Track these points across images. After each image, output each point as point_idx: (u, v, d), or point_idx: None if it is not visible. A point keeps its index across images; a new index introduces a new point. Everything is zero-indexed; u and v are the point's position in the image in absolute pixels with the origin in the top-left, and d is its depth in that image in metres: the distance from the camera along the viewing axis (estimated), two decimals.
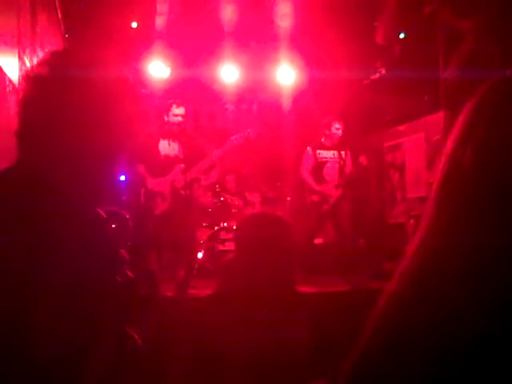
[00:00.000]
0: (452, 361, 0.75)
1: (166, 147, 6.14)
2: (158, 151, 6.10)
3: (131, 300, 1.44)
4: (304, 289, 5.05)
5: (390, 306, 0.85)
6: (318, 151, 6.92)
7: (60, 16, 5.47)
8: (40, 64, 1.39)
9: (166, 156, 6.12)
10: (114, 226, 1.80)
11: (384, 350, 0.82)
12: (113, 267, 1.36)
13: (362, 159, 6.86)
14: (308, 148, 6.98)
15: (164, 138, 6.15)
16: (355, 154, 7.05)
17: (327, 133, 6.95)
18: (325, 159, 6.93)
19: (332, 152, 6.93)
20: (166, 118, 6.14)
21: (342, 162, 6.92)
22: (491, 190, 0.78)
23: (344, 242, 6.78)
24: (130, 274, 1.46)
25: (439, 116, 6.61)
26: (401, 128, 7.86)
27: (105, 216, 1.40)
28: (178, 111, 6.12)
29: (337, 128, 6.92)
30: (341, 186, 6.85)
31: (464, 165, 0.81)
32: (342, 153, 6.93)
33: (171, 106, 6.12)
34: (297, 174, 7.20)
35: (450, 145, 0.85)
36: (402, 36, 7.39)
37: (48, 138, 1.34)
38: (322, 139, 7.00)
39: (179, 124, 6.14)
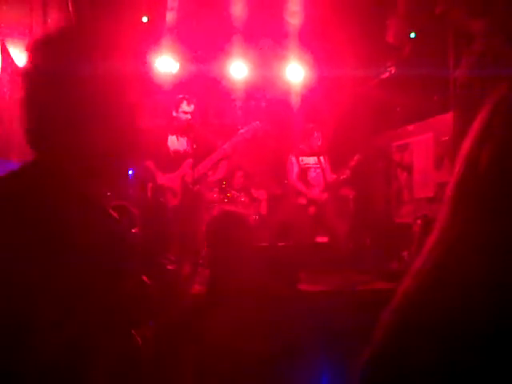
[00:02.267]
0: (467, 359, 0.75)
1: (175, 142, 6.14)
2: (167, 146, 6.10)
3: (141, 301, 1.44)
4: (308, 287, 5.06)
5: (404, 305, 0.85)
6: (300, 158, 7.04)
7: (71, 9, 5.48)
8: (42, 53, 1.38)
9: (176, 151, 6.11)
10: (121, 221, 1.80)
11: (399, 348, 0.82)
12: (123, 267, 1.36)
13: (344, 171, 6.98)
14: (290, 155, 7.09)
15: (172, 134, 6.14)
16: (349, 159, 7.14)
17: (306, 141, 7.08)
18: (307, 165, 7.05)
19: (313, 158, 7.04)
20: (174, 114, 6.13)
21: (323, 167, 7.03)
22: (508, 190, 0.78)
23: (337, 243, 6.83)
24: (144, 278, 1.46)
25: (448, 116, 6.59)
26: (409, 128, 7.84)
27: (116, 215, 1.39)
28: (187, 108, 6.11)
29: (316, 137, 7.05)
30: (326, 191, 6.96)
31: (481, 165, 0.81)
32: (321, 158, 7.03)
33: (181, 102, 6.11)
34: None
35: (466, 145, 0.85)
36: (412, 36, 7.37)
37: (56, 128, 1.34)
38: (301, 146, 7.12)
39: (187, 120, 6.13)
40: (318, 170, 7.05)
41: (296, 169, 7.07)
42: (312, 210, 6.95)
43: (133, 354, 1.42)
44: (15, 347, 1.19)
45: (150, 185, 6.07)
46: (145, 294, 1.47)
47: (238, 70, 7.87)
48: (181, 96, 6.21)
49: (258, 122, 6.39)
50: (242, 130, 6.31)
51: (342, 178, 7.06)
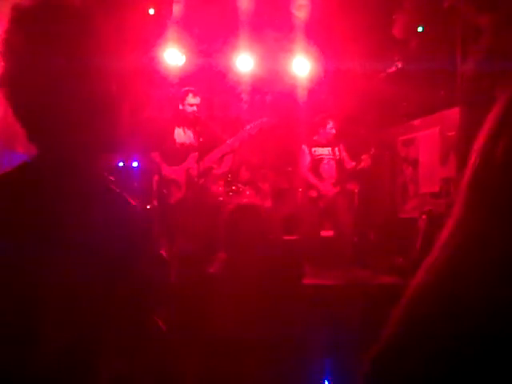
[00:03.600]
0: (478, 355, 0.75)
1: (182, 135, 6.14)
2: (174, 139, 6.10)
3: (157, 287, 1.43)
4: (312, 281, 5.07)
5: (415, 300, 0.84)
6: (313, 149, 7.01)
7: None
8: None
9: (182, 144, 6.12)
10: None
11: (408, 344, 0.82)
12: (138, 252, 1.35)
13: (365, 159, 6.93)
14: (303, 146, 7.06)
15: (179, 126, 6.15)
16: (361, 150, 7.11)
17: (321, 131, 7.05)
18: (320, 156, 7.02)
19: (327, 149, 7.02)
20: (180, 106, 6.14)
21: (336, 158, 7.02)
22: None
23: (343, 238, 6.81)
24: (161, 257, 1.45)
25: (455, 111, 6.56)
26: (416, 122, 7.81)
27: (133, 202, 1.38)
28: (193, 100, 6.12)
29: (330, 127, 7.02)
30: (338, 183, 6.93)
31: (495, 159, 0.80)
32: (336, 149, 7.02)
33: (187, 94, 6.12)
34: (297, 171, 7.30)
35: (481, 139, 0.84)
36: (420, 30, 7.34)
37: (62, 122, 1.34)
38: (315, 137, 7.09)
39: (193, 113, 6.14)
40: (332, 162, 7.02)
41: (308, 160, 7.04)
42: (322, 203, 6.92)
43: (157, 338, 1.41)
44: (28, 342, 1.19)
45: (156, 177, 6.09)
46: (163, 273, 1.46)
47: (244, 62, 7.85)
48: (186, 88, 6.21)
49: (265, 119, 6.37)
50: (248, 126, 6.31)
51: (360, 166, 7.00)
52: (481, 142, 0.84)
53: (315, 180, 6.96)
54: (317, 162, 7.02)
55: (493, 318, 0.75)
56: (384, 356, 0.85)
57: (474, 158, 0.84)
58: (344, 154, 7.11)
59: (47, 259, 1.22)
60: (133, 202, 1.36)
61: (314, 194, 6.96)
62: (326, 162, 7.02)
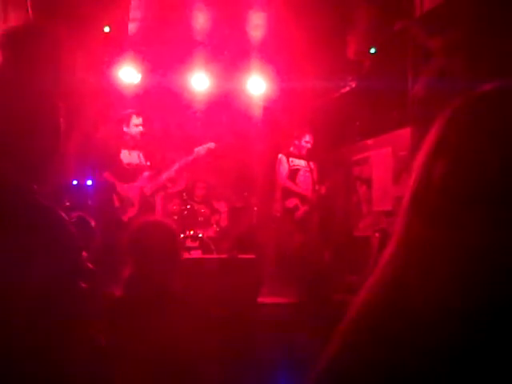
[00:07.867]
0: (421, 371, 0.75)
1: (127, 156, 6.16)
2: (120, 159, 6.11)
3: (95, 303, 1.41)
4: (267, 299, 5.06)
5: (359, 317, 0.85)
6: (290, 159, 7.07)
7: (31, 16, 5.40)
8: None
9: (128, 164, 6.14)
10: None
11: (352, 359, 0.82)
12: (76, 270, 1.33)
13: (322, 189, 7.06)
14: (280, 155, 7.10)
15: (124, 148, 6.17)
16: (326, 171, 7.20)
17: (296, 143, 7.11)
18: (298, 167, 7.09)
19: (303, 161, 7.10)
20: (125, 129, 6.16)
21: (311, 170, 7.09)
22: (461, 200, 0.79)
23: (310, 254, 6.85)
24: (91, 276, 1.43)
25: (407, 131, 6.68)
26: (369, 142, 7.93)
27: (67, 218, 1.37)
28: (137, 121, 6.17)
29: (306, 141, 7.10)
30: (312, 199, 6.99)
31: (434, 178, 0.82)
32: (311, 163, 7.09)
33: (130, 116, 6.16)
34: (271, 182, 7.30)
35: (420, 158, 0.86)
36: (372, 51, 7.48)
37: (8, 139, 1.32)
38: (291, 149, 7.15)
39: (139, 133, 6.19)
40: (308, 174, 7.08)
41: (286, 169, 7.09)
42: (299, 213, 6.94)
43: (96, 354, 1.39)
44: None
45: (114, 196, 6.06)
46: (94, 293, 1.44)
47: (200, 81, 7.87)
48: (129, 111, 6.26)
49: (212, 144, 6.44)
50: (196, 149, 6.38)
51: (320, 192, 7.12)
52: (420, 162, 0.86)
53: (294, 186, 7.00)
54: (294, 172, 7.08)
55: (434, 332, 0.76)
56: (325, 375, 0.85)
57: (413, 178, 0.86)
58: (315, 172, 7.20)
59: None
60: (63, 216, 1.34)
61: (291, 204, 6.97)
62: (302, 173, 7.10)
